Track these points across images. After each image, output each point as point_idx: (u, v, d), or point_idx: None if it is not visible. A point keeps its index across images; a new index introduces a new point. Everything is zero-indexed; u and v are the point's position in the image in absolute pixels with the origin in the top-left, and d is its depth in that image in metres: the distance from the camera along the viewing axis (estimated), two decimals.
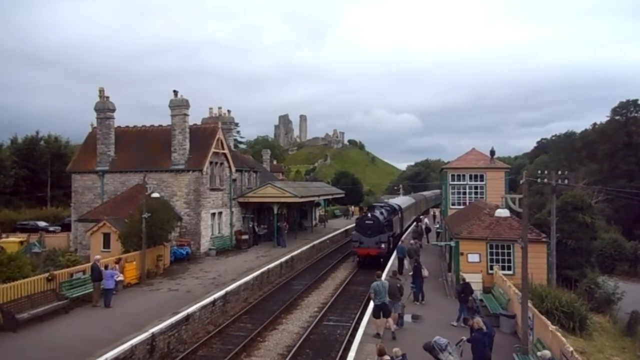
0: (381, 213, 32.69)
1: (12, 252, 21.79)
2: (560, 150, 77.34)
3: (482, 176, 30.56)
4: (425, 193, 76.86)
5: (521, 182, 15.09)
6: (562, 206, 31.15)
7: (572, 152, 73.16)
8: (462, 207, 29.99)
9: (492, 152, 31.24)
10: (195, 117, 42.94)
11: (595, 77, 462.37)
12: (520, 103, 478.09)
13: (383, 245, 29.97)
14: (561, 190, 32.45)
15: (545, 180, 26.66)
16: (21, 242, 29.98)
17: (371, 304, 18.48)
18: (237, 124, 79.00)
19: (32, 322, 16.43)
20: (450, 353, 11.48)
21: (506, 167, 31.66)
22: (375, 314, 15.45)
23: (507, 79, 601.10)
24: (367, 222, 31.07)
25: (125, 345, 14.46)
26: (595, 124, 71.43)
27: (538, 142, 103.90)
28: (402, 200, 48.12)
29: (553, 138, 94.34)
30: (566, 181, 27.84)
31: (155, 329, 16.03)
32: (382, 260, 29.51)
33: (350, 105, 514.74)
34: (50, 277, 18.55)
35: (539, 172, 28.02)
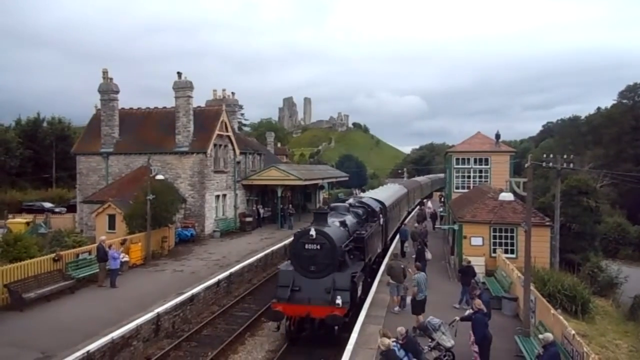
0: (343, 225, 17.03)
1: (18, 232, 22.05)
2: (565, 134, 76.75)
3: (486, 160, 30.41)
4: (419, 179, 68.46)
5: (526, 165, 15.04)
6: (567, 190, 31.06)
7: (578, 136, 72.59)
8: (466, 190, 29.92)
9: (498, 136, 31.05)
10: (199, 99, 42.63)
11: (603, 59, 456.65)
12: (526, 86, 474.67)
13: (339, 301, 13.97)
14: (566, 174, 32.31)
15: (551, 164, 26.51)
16: (27, 223, 30.24)
17: (374, 288, 18.62)
18: (241, 107, 78.82)
19: (38, 301, 16.64)
20: (443, 332, 11.58)
21: (511, 151, 31.48)
22: (418, 309, 14.36)
23: (513, 62, 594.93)
24: (308, 246, 14.88)
25: (131, 325, 14.66)
26: (599, 108, 70.88)
27: (544, 126, 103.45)
28: (387, 193, 32.02)
29: (559, 122, 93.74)
30: (571, 165, 27.69)
31: (160, 309, 16.22)
32: (337, 329, 13.83)
33: (354, 87, 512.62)
34: (56, 258, 18.73)
35: (544, 156, 27.82)
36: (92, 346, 12.93)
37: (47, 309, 16.36)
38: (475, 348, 11.51)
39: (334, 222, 16.59)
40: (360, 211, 20.76)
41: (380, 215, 22.60)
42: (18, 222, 30.31)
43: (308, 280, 14.65)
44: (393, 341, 9.24)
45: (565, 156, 27.01)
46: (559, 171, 26.10)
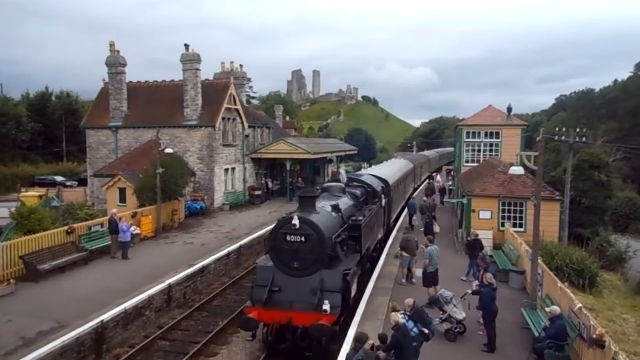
0: (335, 210, 14.27)
1: (32, 205, 22.35)
2: (579, 108, 75.49)
3: (497, 133, 30.08)
4: (427, 153, 65.56)
5: (537, 139, 14.85)
6: (578, 164, 30.77)
7: (592, 109, 71.37)
8: (476, 164, 29.73)
9: (509, 109, 30.60)
10: (207, 72, 42.36)
11: (618, 30, 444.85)
12: (539, 57, 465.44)
13: (327, 307, 11.48)
14: (578, 148, 31.94)
15: (563, 137, 26.18)
16: (40, 196, 30.61)
17: (381, 260, 18.77)
18: (249, 79, 78.39)
19: (53, 272, 17.01)
20: (455, 305, 11.71)
21: (523, 124, 31.08)
22: (429, 281, 14.38)
23: (526, 32, 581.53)
24: (290, 237, 12.30)
25: (143, 295, 14.97)
26: (616, 80, 69.34)
27: (557, 99, 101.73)
28: (391, 169, 29.22)
29: (572, 95, 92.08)
30: (584, 139, 27.31)
31: (171, 280, 16.52)
32: (324, 340, 11.38)
33: (364, 59, 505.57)
34: (69, 230, 19.05)
35: (557, 129, 27.45)
36: (106, 316, 13.26)
37: (61, 279, 16.73)
38: (481, 320, 11.66)
39: (324, 206, 13.94)
40: (358, 192, 17.94)
41: (382, 196, 20.05)
42: (31, 195, 30.68)
43: (290, 279, 12.12)
44: (401, 313, 9.36)
45: (577, 130, 26.60)
46: (571, 145, 25.79)
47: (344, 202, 15.78)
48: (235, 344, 13.89)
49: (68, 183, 41.69)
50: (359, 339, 8.74)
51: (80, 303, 14.17)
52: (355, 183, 19.19)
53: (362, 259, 14.74)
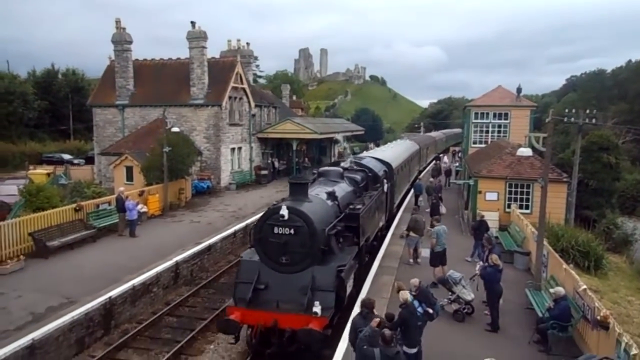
0: (331, 197, 13.06)
1: (40, 183, 22.52)
2: (589, 89, 74.43)
3: (506, 114, 29.81)
4: (434, 134, 63.51)
5: (547, 120, 14.70)
6: (587, 146, 30.50)
7: (603, 90, 70.36)
8: (483, 146, 29.54)
9: (519, 90, 30.24)
10: (213, 50, 41.98)
11: (633, 9, 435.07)
12: (550, 37, 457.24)
13: (317, 309, 10.19)
14: (587, 130, 31.61)
15: (572, 119, 25.88)
16: (48, 174, 30.81)
17: (387, 240, 18.83)
18: (256, 58, 77.56)
19: (62, 249, 17.23)
20: (463, 286, 11.78)
21: (532, 106, 30.75)
22: (436, 261, 14.44)
23: (537, 10, 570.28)
24: (278, 229, 11.04)
25: (151, 272, 15.17)
26: (630, 60, 68.15)
27: (567, 80, 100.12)
28: (395, 151, 27.33)
29: (583, 75, 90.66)
30: (594, 120, 26.99)
31: (178, 258, 16.70)
32: (319, 342, 9.93)
33: (371, 38, 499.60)
34: (77, 208, 19.22)
35: (566, 110, 27.13)
36: (114, 292, 13.46)
37: (70, 256, 16.95)
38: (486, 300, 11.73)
39: (319, 194, 12.74)
40: (358, 177, 16.52)
41: (385, 181, 18.71)
42: (39, 173, 30.89)
43: (278, 276, 10.89)
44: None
45: (587, 111, 26.28)
46: (580, 126, 25.51)
47: (342, 188, 14.48)
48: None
49: (75, 161, 41.91)
50: (366, 304, 8.80)
51: (89, 279, 14.38)
52: (355, 167, 17.76)
53: (360, 251, 13.48)
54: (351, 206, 13.52)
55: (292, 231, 10.83)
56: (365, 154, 25.32)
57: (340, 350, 9.92)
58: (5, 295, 13.17)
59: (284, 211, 10.74)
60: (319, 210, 11.69)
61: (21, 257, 15.97)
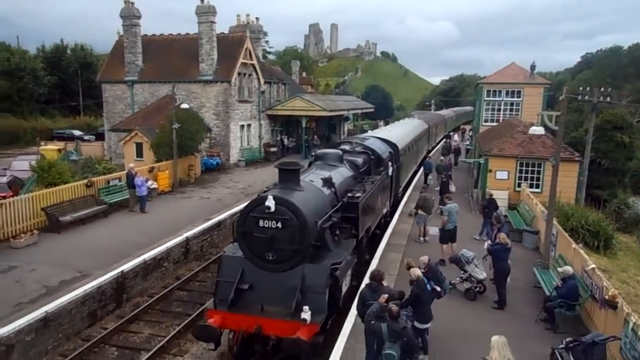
0: (327, 184, 11.69)
1: (51, 159, 22.72)
2: (605, 66, 72.85)
3: (519, 92, 29.37)
4: (443, 112, 62.06)
5: (560, 99, 14.44)
6: (601, 125, 30.04)
7: (618, 67, 68.86)
8: (495, 124, 29.21)
9: (533, 67, 29.72)
10: (222, 25, 41.54)
11: None
12: (566, 12, 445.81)
13: (307, 315, 8.91)
14: (602, 109, 31.07)
15: (586, 97, 25.41)
16: (59, 150, 31.07)
17: (395, 219, 18.87)
18: (265, 33, 76.91)
19: (74, 224, 17.48)
20: (476, 265, 11.81)
21: (546, 83, 30.26)
22: (446, 238, 14.45)
23: None
24: (263, 223, 9.71)
25: (162, 247, 15.38)
26: None
27: (582, 57, 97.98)
28: (403, 131, 26.17)
29: (598, 52, 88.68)
30: (608, 99, 26.48)
31: (188, 233, 16.89)
32: (307, 353, 8.69)
33: (383, 12, 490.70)
34: (89, 184, 19.42)
35: (580, 88, 26.62)
36: (126, 266, 13.69)
37: (82, 231, 17.20)
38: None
39: (313, 180, 11.43)
40: (359, 160, 15.18)
41: (390, 164, 17.37)
42: (50, 149, 31.15)
43: (263, 275, 9.72)
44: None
45: (602, 89, 25.77)
46: (594, 105, 25.02)
47: (341, 173, 13.23)
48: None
49: (86, 137, 42.17)
50: (375, 277, 8.86)
51: (101, 254, 14.61)
52: (357, 149, 16.31)
53: (360, 244, 12.29)
54: (349, 194, 12.22)
55: (279, 225, 9.50)
56: (369, 133, 23.78)
57: (347, 324, 10.05)
58: (20, 269, 13.45)
59: (270, 202, 9.29)
60: (312, 199, 10.41)
61: (34, 231, 16.24)
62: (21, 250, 14.93)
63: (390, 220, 18.28)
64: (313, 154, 14.31)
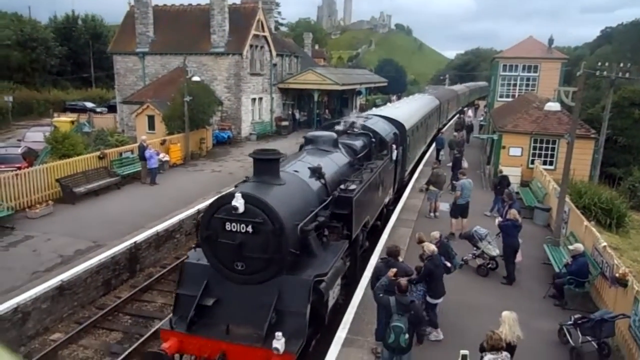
0: (315, 175, 9.60)
1: (65, 131, 22.90)
2: (625, 41, 70.75)
3: (536, 67, 28.83)
4: (456, 87, 59.09)
5: (578, 74, 14.14)
6: (619, 101, 29.47)
7: (639, 42, 66.89)
8: (510, 99, 28.76)
9: (550, 41, 29.08)
10: None
11: None
12: None
13: (279, 344, 7.02)
14: (620, 85, 30.38)
15: (605, 73, 24.82)
16: (72, 122, 31.26)
17: (405, 194, 18.84)
18: (277, 4, 75.58)
19: (88, 196, 17.72)
20: (489, 242, 11.80)
21: (563, 58, 29.61)
22: (456, 213, 14.46)
23: None
24: (231, 226, 7.78)
25: (174, 219, 15.57)
26: None
27: (602, 31, 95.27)
28: (411, 108, 24.23)
29: (619, 26, 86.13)
30: (627, 75, 25.84)
31: (200, 206, 17.02)
32: None
33: None
34: (101, 156, 19.60)
35: (599, 64, 26.00)
36: (139, 237, 13.90)
37: (96, 202, 17.45)
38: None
39: (298, 171, 9.50)
40: (358, 143, 13.08)
41: (394, 147, 15.35)
42: (63, 120, 31.30)
43: (231, 288, 8.00)
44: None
45: (621, 65, 25.12)
46: (613, 81, 24.44)
47: (334, 160, 11.24)
48: None
49: (98, 109, 42.37)
50: (392, 252, 8.85)
51: (114, 225, 14.83)
52: (355, 130, 14.01)
53: (354, 245, 10.29)
54: (342, 186, 10.11)
55: (249, 229, 7.62)
56: (373, 111, 21.63)
57: (356, 296, 10.17)
58: (36, 238, 13.72)
59: (238, 201, 7.42)
60: (294, 196, 8.54)
61: (50, 202, 16.50)
62: (37, 221, 15.21)
63: (394, 209, 16.53)
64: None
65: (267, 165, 8.51)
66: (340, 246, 9.21)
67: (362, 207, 10.57)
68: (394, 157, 15.53)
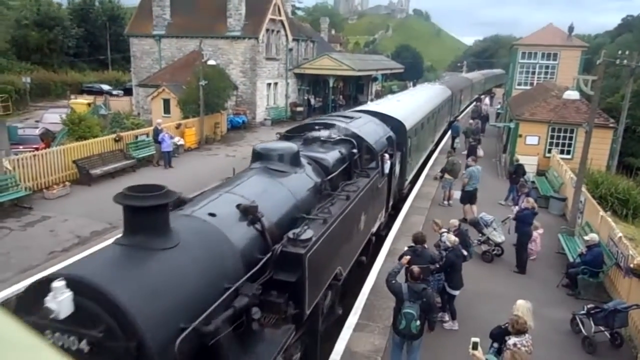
0: (248, 215, 5.96)
1: (81, 113, 23.17)
2: None
3: (555, 55, 28.28)
4: (470, 75, 55.20)
5: (598, 63, 13.86)
6: (638, 90, 28.81)
7: None
8: (529, 87, 28.32)
9: (571, 29, 28.47)
10: None
11: None
12: None
13: None
14: None
15: (625, 61, 24.27)
16: (89, 104, 31.56)
17: (419, 182, 18.76)
18: None
19: (104, 177, 17.95)
20: (494, 229, 11.74)
21: (583, 46, 29.01)
22: (465, 200, 14.60)
23: None
24: (51, 335, 3.78)
25: None
26: None
27: (623, 19, 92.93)
28: (417, 100, 21.03)
29: None
30: None
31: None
32: None
33: None
34: (117, 138, 19.80)
35: (619, 52, 25.42)
36: None
37: (112, 184, 17.64)
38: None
39: (216, 213, 5.86)
40: (331, 156, 9.18)
41: (386, 156, 11.89)
42: (80, 102, 31.61)
43: None
44: (443, 231, 9.46)
45: None
46: (633, 70, 23.90)
47: (290, 186, 7.44)
48: None
49: (114, 92, 42.68)
50: (418, 239, 8.80)
51: None
52: (332, 136, 10.01)
53: (310, 323, 6.74)
54: (292, 233, 6.13)
55: (83, 346, 3.89)
56: (369, 105, 18.09)
57: (368, 283, 10.21)
58: (53, 219, 13.97)
59: (57, 297, 3.70)
60: (190, 269, 4.79)
61: (66, 183, 16.75)
62: (54, 201, 15.47)
63: (387, 232, 13.09)
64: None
65: (144, 217, 4.86)
66: (281, 334, 5.46)
67: (324, 264, 6.87)
68: (388, 168, 12.10)
